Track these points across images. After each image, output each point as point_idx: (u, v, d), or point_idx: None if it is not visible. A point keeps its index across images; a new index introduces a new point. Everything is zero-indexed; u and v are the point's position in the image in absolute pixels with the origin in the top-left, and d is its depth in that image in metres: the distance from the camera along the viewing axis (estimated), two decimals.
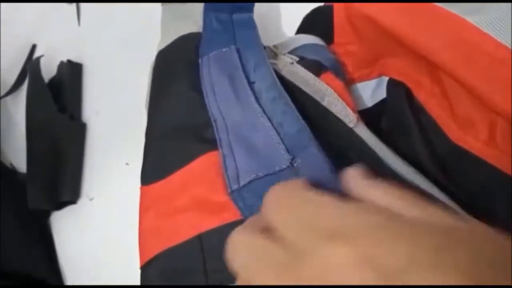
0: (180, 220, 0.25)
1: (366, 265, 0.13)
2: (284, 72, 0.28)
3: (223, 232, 0.20)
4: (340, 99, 0.26)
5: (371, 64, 0.30)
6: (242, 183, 0.23)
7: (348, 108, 0.26)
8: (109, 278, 0.41)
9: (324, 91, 0.26)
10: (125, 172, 0.44)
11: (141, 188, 0.29)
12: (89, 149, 0.48)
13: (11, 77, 0.54)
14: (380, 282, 0.12)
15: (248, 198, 0.23)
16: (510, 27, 0.23)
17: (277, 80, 0.26)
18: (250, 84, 0.27)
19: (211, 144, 0.25)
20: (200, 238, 0.24)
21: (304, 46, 0.31)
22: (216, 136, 0.25)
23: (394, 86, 0.28)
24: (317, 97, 0.26)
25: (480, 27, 0.23)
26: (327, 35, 0.31)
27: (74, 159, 0.46)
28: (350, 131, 0.25)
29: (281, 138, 0.24)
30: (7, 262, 0.42)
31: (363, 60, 0.30)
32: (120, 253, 0.41)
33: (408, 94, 0.27)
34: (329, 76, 0.28)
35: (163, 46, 0.33)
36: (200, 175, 0.25)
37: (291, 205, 0.16)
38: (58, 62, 0.51)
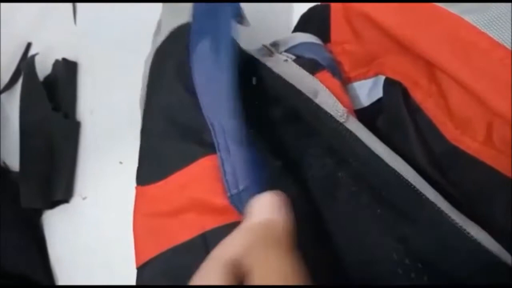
0: (180, 220, 0.25)
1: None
2: (277, 70, 0.28)
3: (228, 231, 0.20)
4: (331, 94, 0.26)
5: (367, 63, 0.30)
6: (241, 187, 0.23)
7: (338, 103, 0.26)
8: (102, 277, 0.41)
9: (316, 87, 0.26)
10: (119, 171, 0.44)
11: (136, 188, 0.29)
12: (83, 147, 0.47)
13: (7, 76, 0.54)
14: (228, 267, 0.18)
15: (247, 202, 0.23)
16: (509, 26, 0.22)
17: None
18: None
19: (210, 147, 0.25)
20: (204, 236, 0.24)
21: (300, 45, 0.30)
22: (214, 140, 0.25)
23: (390, 85, 0.28)
24: (310, 95, 0.26)
25: (477, 26, 0.23)
26: (324, 33, 0.31)
27: (68, 157, 0.46)
28: (341, 126, 0.25)
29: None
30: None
31: (360, 59, 0.30)
32: (113, 253, 0.41)
33: (404, 93, 0.27)
34: (325, 74, 0.28)
35: (158, 43, 0.33)
36: (199, 178, 0.25)
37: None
38: (53, 61, 0.51)
